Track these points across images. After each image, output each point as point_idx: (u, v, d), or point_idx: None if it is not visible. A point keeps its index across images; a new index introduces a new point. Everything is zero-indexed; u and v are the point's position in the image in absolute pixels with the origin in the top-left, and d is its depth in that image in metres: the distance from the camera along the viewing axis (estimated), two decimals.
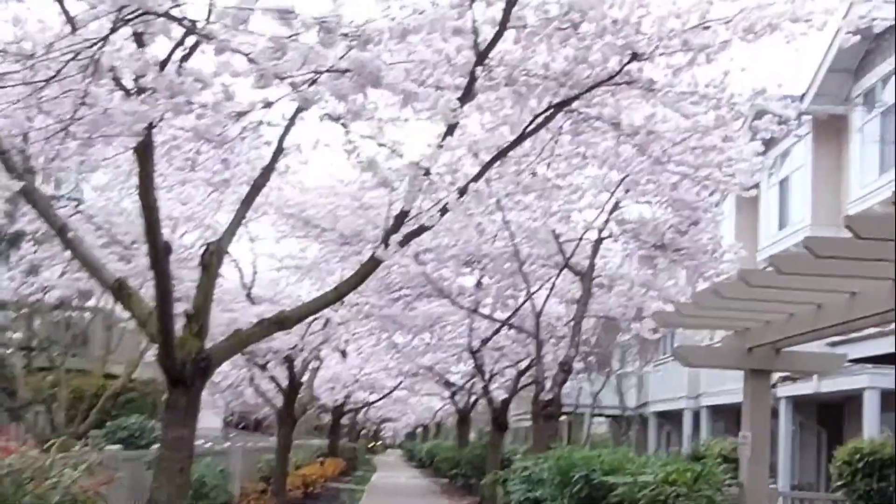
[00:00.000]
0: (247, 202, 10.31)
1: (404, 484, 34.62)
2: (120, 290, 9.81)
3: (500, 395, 24.75)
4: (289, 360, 17.80)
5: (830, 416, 21.27)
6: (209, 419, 41.33)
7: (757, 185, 17.21)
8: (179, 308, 9.69)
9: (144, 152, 8.23)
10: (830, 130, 22.41)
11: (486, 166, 10.31)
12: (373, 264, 9.87)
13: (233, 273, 16.69)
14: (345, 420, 45.86)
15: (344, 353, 32.73)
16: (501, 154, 10.27)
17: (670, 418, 30.98)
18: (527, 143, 12.76)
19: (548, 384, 15.67)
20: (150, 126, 7.94)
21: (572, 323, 16.35)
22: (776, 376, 22.88)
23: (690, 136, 12.75)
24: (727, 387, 23.90)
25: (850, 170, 21.50)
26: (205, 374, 9.83)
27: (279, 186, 15.69)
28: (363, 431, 62.54)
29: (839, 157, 22.50)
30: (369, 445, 70.50)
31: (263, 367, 17.74)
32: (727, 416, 26.31)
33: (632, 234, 16.70)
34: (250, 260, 16.96)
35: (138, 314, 9.80)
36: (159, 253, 8.71)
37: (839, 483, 13.59)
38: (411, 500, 26.33)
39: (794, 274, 7.07)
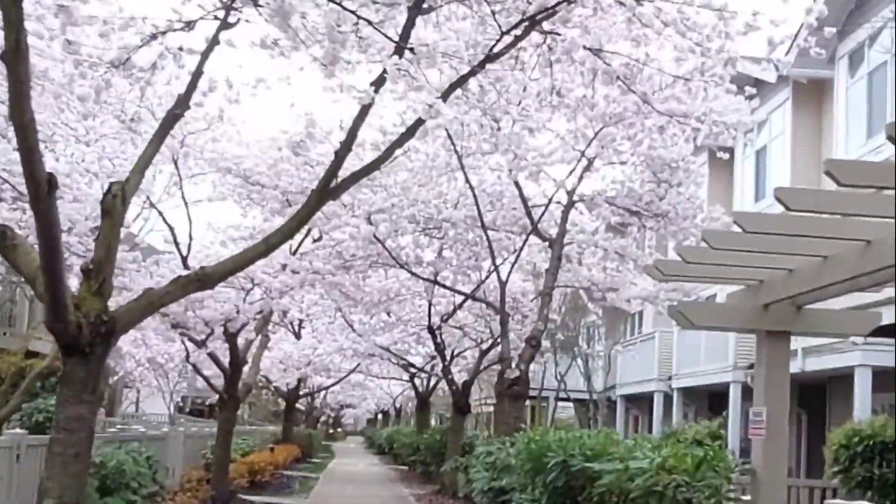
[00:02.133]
0: (158, 136, 8.64)
1: (362, 471, 33.09)
2: (3, 241, 8.13)
3: (461, 377, 23.24)
4: (229, 335, 16.11)
5: (812, 398, 19.98)
6: (156, 404, 39.61)
7: (731, 151, 15.92)
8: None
9: (14, 57, 6.53)
10: (811, 95, 21.07)
11: (445, 95, 8.72)
12: (307, 209, 8.28)
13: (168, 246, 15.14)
14: (302, 406, 44.22)
15: (297, 334, 31.16)
16: (461, 81, 8.69)
17: (639, 402, 29.64)
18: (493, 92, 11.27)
19: (514, 362, 14.17)
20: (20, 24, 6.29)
21: (540, 296, 14.86)
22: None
23: (675, 82, 11.31)
24: (701, 368, 22.61)
25: (834, 137, 20.16)
26: (107, 340, 8.20)
27: (214, 138, 14.07)
28: (322, 418, 60.82)
29: (821, 123, 21.18)
30: (329, 432, 68.82)
31: (202, 344, 16.03)
32: (699, 400, 25.04)
33: (605, 198, 15.24)
34: (186, 229, 15.26)
35: (26, 269, 8.12)
36: (39, 188, 7.04)
37: (836, 469, 12.18)
38: (367, 488, 24.77)
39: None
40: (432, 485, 24.70)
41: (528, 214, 14.69)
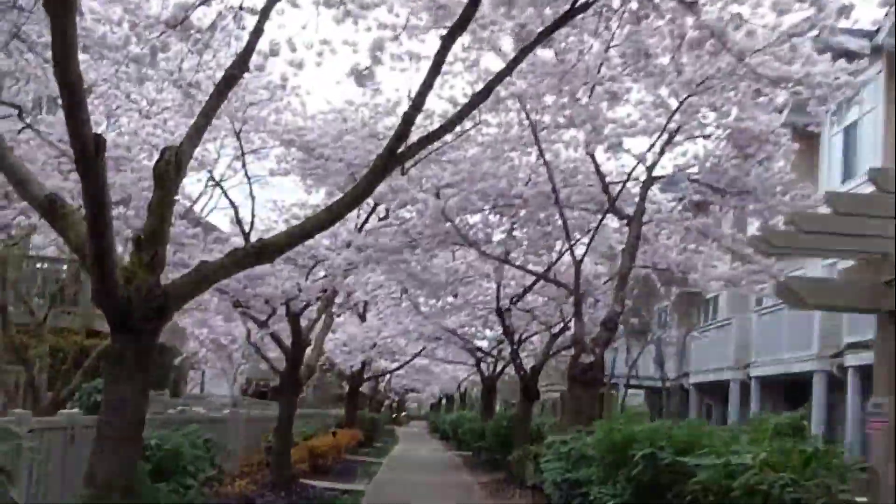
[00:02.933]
0: (215, 99, 8.05)
1: (426, 457, 32.58)
2: (51, 208, 7.62)
3: (528, 363, 22.50)
4: (292, 316, 15.60)
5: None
6: (221, 386, 39.54)
7: (815, 126, 14.83)
8: None
9: (58, 5, 5.96)
10: None
11: (513, 62, 7.99)
12: (373, 176, 7.62)
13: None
14: (366, 389, 43.86)
15: (361, 316, 30.70)
16: (535, 43, 7.93)
17: (712, 391, 28.58)
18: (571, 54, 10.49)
19: (588, 346, 13.38)
20: None
21: (616, 277, 14.05)
22: (844, 342, 20.64)
23: (776, 40, 10.38)
24: (782, 356, 21.54)
25: None
26: (159, 316, 7.65)
27: (277, 109, 13.53)
28: (386, 402, 60.53)
29: None
30: (392, 416, 68.56)
31: (264, 324, 15.56)
32: (778, 390, 23.89)
33: (687, 174, 14.35)
34: (249, 207, 14.78)
35: (75, 240, 7.59)
36: (86, 147, 6.48)
37: None
38: (431, 474, 24.22)
39: None
40: (498, 472, 24.06)
41: (605, 190, 13.88)
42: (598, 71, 10.15)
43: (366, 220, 14.62)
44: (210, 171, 13.92)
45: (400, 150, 7.65)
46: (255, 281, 12.68)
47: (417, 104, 7.56)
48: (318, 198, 16.29)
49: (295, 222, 16.15)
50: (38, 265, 22.06)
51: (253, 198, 14.60)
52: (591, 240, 14.52)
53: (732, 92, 12.72)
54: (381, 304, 30.61)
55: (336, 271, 12.34)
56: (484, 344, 25.84)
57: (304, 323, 16.69)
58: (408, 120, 7.63)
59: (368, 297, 28.83)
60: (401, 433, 55.54)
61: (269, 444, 20.16)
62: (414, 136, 7.83)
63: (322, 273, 13.20)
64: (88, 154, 6.53)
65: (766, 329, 22.57)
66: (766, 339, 22.50)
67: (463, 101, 12.16)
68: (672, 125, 13.44)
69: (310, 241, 13.44)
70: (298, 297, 13.66)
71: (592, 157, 13.83)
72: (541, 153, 13.41)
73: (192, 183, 17.74)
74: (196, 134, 7.97)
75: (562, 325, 22.07)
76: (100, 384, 15.00)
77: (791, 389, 22.67)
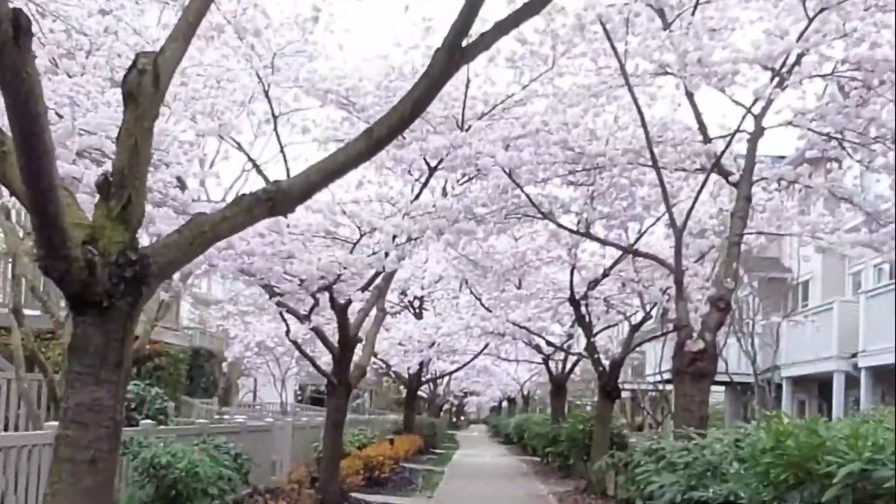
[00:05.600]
0: None
1: (490, 463, 30.29)
2: None
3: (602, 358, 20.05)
4: (338, 308, 13.38)
5: None
6: (274, 393, 37.54)
7: None
8: None
9: None
10: None
11: None
12: (428, 80, 5.34)
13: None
14: (424, 393, 41.73)
15: (417, 313, 28.49)
16: None
17: (808, 384, 25.83)
18: None
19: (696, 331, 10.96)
20: None
21: (726, 245, 11.59)
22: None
23: None
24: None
25: None
26: (136, 288, 5.44)
27: (310, 55, 11.31)
28: (445, 406, 58.27)
29: None
30: (452, 420, 66.34)
31: (306, 318, 13.35)
32: (889, 381, 21.07)
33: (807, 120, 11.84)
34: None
35: (18, 186, 5.41)
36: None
37: None
38: (498, 483, 21.89)
39: None
40: (571, 480, 21.70)
41: (706, 139, 11.44)
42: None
43: (422, 189, 12.28)
44: (233, 139, 11.72)
45: (465, 43, 5.37)
46: (286, 261, 10.44)
47: None
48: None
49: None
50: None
51: (288, 169, 12.39)
52: (693, 202, 12.01)
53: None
54: (439, 299, 28.41)
55: (387, 247, 10.07)
56: (553, 339, 23.42)
57: (352, 318, 14.48)
58: (473, 3, 5.34)
59: (425, 291, 26.67)
60: (461, 438, 53.60)
61: (319, 453, 18.02)
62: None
63: (368, 251, 10.91)
64: (4, 37, 4.33)
65: (877, 313, 19.85)
66: (878, 324, 19.76)
67: None
68: (791, 56, 10.98)
69: (353, 209, 11.22)
70: (342, 280, 11.37)
71: (692, 100, 11.40)
72: (633, 97, 10.97)
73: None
74: (182, 36, 5.74)
75: (643, 314, 19.64)
76: None
77: None
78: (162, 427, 11.42)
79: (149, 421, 10.98)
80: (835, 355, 21.74)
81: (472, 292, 21.38)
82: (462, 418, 79.80)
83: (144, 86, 5.48)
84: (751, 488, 6.21)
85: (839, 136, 12.10)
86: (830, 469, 4.95)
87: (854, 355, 21.02)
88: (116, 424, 5.52)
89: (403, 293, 28.07)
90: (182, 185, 10.23)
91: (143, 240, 6.50)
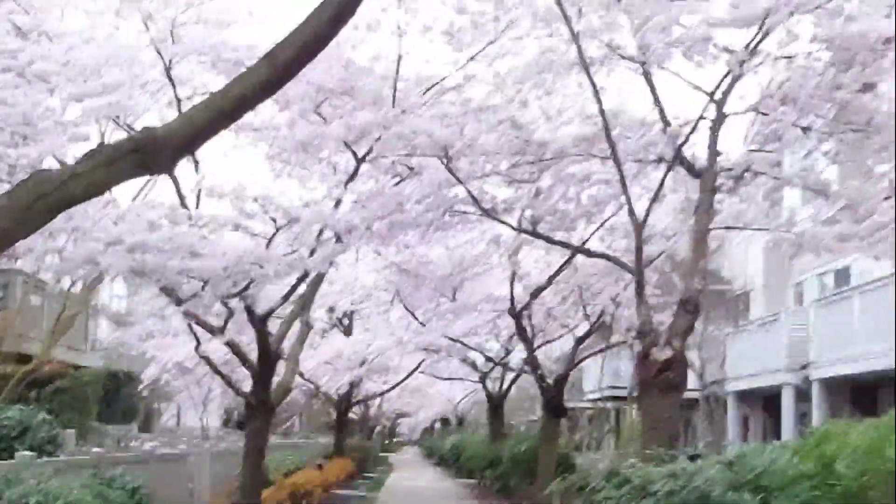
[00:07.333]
0: None
1: (427, 487, 28.91)
2: None
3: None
4: (257, 320, 11.84)
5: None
6: (193, 417, 35.59)
7: None
8: None
9: None
10: None
11: None
12: None
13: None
14: (355, 415, 40.06)
15: (346, 330, 26.88)
16: None
17: (751, 398, 24.84)
18: None
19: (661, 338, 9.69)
20: None
21: (691, 242, 10.39)
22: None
23: None
24: (854, 350, 17.83)
25: None
26: None
27: (218, 21, 9.84)
28: (378, 428, 56.53)
29: None
30: (384, 443, 64.60)
31: (220, 331, 11.78)
32: (843, 394, 20.08)
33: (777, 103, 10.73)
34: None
35: None
36: None
37: None
38: None
39: None
40: (512, 502, 20.40)
41: (665, 123, 10.23)
42: None
43: (351, 178, 10.61)
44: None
45: None
46: (186, 254, 8.82)
47: None
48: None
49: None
50: None
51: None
52: (655, 194, 10.78)
53: None
54: (368, 316, 26.83)
55: (308, 243, 8.54)
56: (491, 355, 22.13)
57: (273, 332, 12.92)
58: None
59: (355, 306, 25.13)
60: (395, 460, 52.24)
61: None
62: None
63: (284, 246, 9.35)
64: None
65: (832, 321, 18.96)
66: (833, 334, 18.86)
67: None
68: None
69: (270, 194, 9.71)
70: (256, 283, 9.77)
71: (649, 79, 10.20)
72: (589, 77, 9.69)
73: None
74: None
75: (588, 327, 18.41)
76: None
77: (863, 392, 19.00)
78: (45, 459, 9.79)
79: (28, 453, 9.36)
80: (783, 367, 20.78)
81: (405, 306, 19.96)
82: (395, 440, 78.05)
83: None
84: None
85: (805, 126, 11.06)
86: None
87: (805, 367, 20.07)
88: None
89: (331, 309, 26.51)
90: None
91: None
